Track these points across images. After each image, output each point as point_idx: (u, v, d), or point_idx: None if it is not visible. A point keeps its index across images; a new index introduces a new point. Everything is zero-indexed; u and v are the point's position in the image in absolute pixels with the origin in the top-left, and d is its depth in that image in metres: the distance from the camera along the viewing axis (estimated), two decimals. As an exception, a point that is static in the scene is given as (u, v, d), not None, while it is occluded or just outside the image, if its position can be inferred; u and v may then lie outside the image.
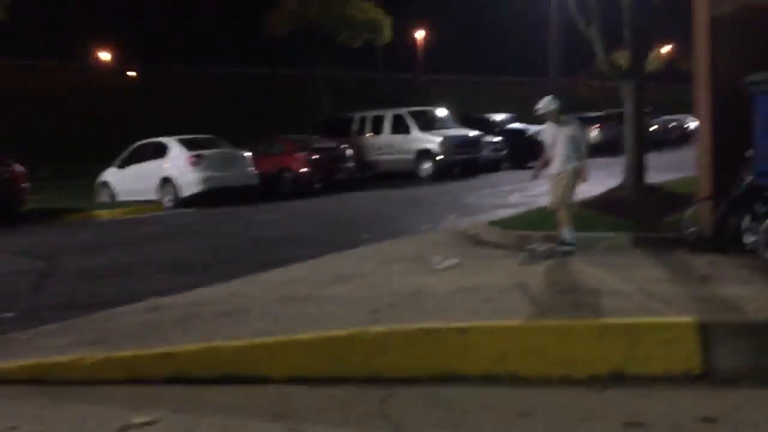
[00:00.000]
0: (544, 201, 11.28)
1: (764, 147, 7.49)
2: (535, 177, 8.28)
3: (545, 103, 7.82)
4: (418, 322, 5.00)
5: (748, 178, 7.51)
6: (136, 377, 4.83)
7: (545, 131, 8.01)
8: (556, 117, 7.80)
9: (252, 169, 17.83)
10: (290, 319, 5.35)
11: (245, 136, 21.95)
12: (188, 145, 17.43)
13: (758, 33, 7.79)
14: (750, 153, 7.62)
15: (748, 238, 7.52)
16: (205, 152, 17.22)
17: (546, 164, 7.97)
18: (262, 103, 33.46)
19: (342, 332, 4.91)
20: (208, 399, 4.49)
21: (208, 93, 33.52)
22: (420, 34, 48.82)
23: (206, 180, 16.80)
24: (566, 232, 7.68)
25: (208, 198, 16.74)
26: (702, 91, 8.32)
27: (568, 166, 7.69)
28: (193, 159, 16.86)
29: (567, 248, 7.59)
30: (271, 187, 18.71)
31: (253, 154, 18.42)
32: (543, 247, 7.70)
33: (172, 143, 17.51)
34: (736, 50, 7.97)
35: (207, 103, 31.59)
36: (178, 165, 16.97)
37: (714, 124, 8.17)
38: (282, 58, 39.94)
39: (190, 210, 16.19)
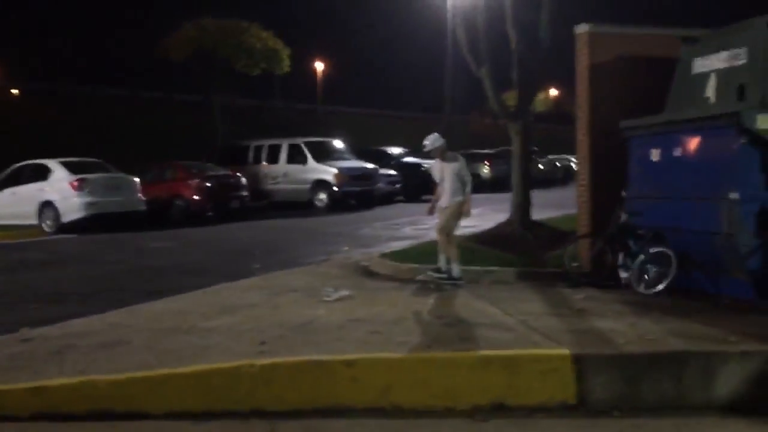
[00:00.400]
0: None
1: (636, 188, 8.00)
2: (431, 212, 8.41)
3: (432, 141, 8.03)
4: (306, 354, 4.97)
5: (623, 217, 7.98)
6: (3, 413, 4.53)
7: (433, 167, 8.30)
8: (443, 153, 8.03)
9: (140, 195, 17.27)
10: (173, 351, 5.18)
11: (137, 161, 21.24)
12: (72, 168, 16.68)
13: (634, 81, 8.35)
14: (625, 193, 8.12)
15: (623, 274, 7.96)
16: (90, 176, 16.53)
17: (438, 199, 8.25)
18: (156, 127, 32.52)
19: (227, 365, 4.81)
20: (81, 436, 4.28)
21: (98, 115, 32.29)
22: (319, 66, 49.19)
23: (90, 205, 16.12)
24: (455, 268, 7.91)
25: (91, 224, 16.06)
26: (582, 134, 8.81)
27: (453, 200, 7.96)
28: (77, 183, 16.16)
29: (456, 282, 7.85)
30: (162, 215, 18.23)
31: (143, 180, 17.89)
32: (433, 278, 7.95)
33: (55, 165, 16.73)
34: (614, 97, 8.51)
35: (97, 126, 30.40)
36: (60, 188, 16.22)
37: (593, 165, 8.65)
38: (178, 83, 39.15)
39: (71, 236, 15.47)
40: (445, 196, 8.08)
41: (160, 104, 38.84)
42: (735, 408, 4.85)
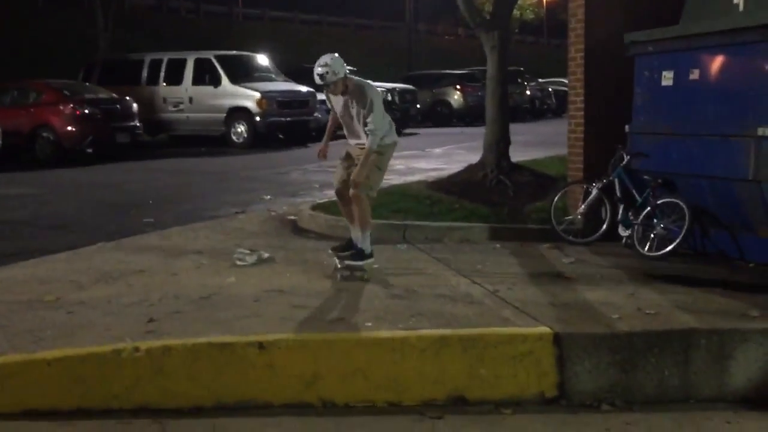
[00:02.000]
0: (396, 178, 11.47)
1: (642, 122, 8.13)
2: (323, 155, 7.45)
3: (331, 67, 6.59)
4: (208, 335, 4.98)
5: (625, 159, 8.13)
6: None
7: (336, 101, 6.98)
8: (345, 85, 6.73)
9: (-7, 124, 16.87)
10: (31, 331, 5.13)
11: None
12: None
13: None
14: (628, 128, 8.25)
15: (623, 232, 8.15)
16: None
17: (330, 138, 7.44)
18: (16, 34, 31.69)
19: (102, 348, 4.80)
20: None
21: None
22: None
23: None
24: (367, 240, 6.87)
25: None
26: (576, 50, 8.89)
27: (386, 140, 6.90)
28: None
29: (363, 264, 6.84)
30: (23, 151, 17.88)
31: (-3, 104, 17.49)
32: (340, 270, 6.85)
33: None
34: (618, 3, 8.57)
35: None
36: None
37: (588, 92, 8.75)
38: (45, -26, 37.98)
39: None
40: (360, 137, 6.92)
41: (21, 2, 37.71)
42: (754, 401, 5.06)
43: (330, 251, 7.02)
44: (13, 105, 18.48)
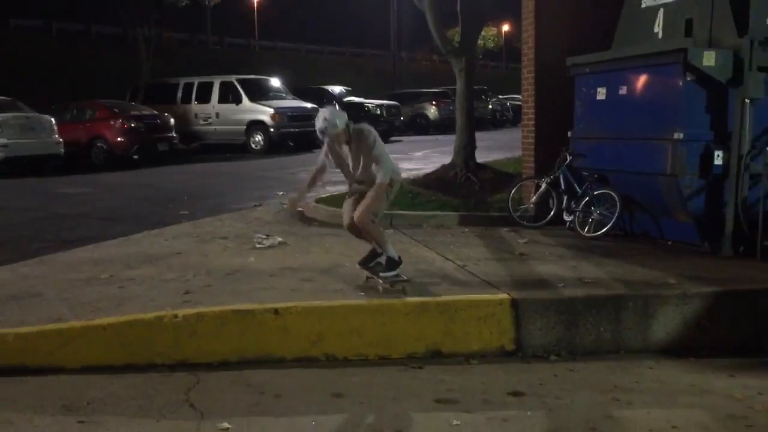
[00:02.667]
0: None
1: (581, 129, 8.15)
2: (293, 206, 6.41)
3: (331, 119, 5.44)
4: (233, 304, 4.97)
5: (568, 159, 8.14)
6: None
7: (340, 151, 5.66)
8: (347, 133, 5.51)
9: (57, 136, 16.75)
10: (89, 302, 5.11)
11: (53, 100, 20.50)
12: (-20, 107, 16.03)
13: (582, 16, 8.40)
14: (570, 134, 8.26)
15: (567, 217, 8.18)
16: (1, 116, 15.92)
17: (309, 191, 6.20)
18: (73, 63, 31.33)
19: (148, 315, 4.78)
20: (-11, 393, 4.22)
21: (8, 49, 30.95)
22: (256, -2, 48.01)
23: (2, 148, 15.58)
24: (390, 249, 5.64)
25: (4, 168, 15.55)
26: (528, 71, 8.88)
27: (396, 175, 5.74)
28: (-13, 123, 15.55)
29: (398, 271, 5.61)
30: (82, 158, 17.77)
31: (61, 120, 17.34)
32: (382, 285, 5.48)
33: (-39, 105, 16.03)
34: (561, 32, 8.57)
35: (5, 61, 29.15)
36: (-32, 130, 15.60)
37: (538, 105, 8.76)
38: (97, 15, 37.68)
39: (-18, 181, 14.96)
40: (366, 177, 5.65)
41: (78, 37, 37.47)
42: (671, 351, 5.09)
43: (358, 266, 5.70)
44: (72, 121, 18.37)
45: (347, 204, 5.73)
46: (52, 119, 16.93)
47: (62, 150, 16.82)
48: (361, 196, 5.57)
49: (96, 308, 4.96)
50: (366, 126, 5.61)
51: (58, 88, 26.09)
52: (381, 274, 5.49)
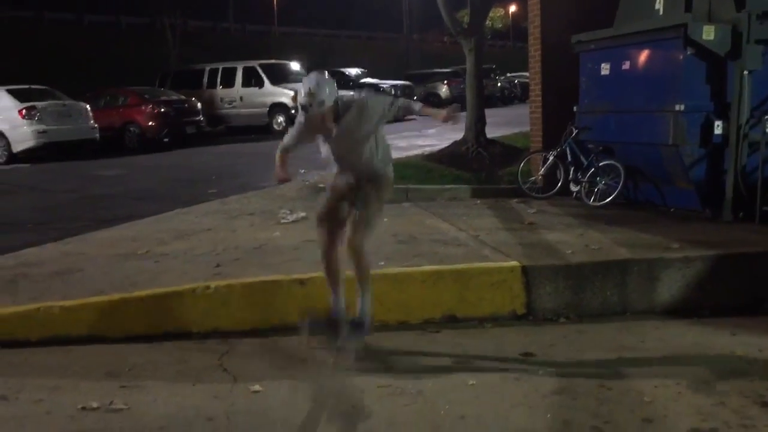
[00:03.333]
0: (400, 153, 11.22)
1: (586, 103, 8.06)
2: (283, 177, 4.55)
3: (318, 94, 3.94)
4: (261, 275, 5.01)
5: (574, 132, 8.07)
6: (-43, 343, 4.52)
7: (312, 123, 4.12)
8: (336, 109, 4.05)
9: (92, 122, 16.85)
10: (128, 276, 5.17)
11: (86, 88, 20.58)
12: (20, 96, 16.12)
13: (585, -5, 8.28)
14: (575, 108, 8.18)
15: (574, 188, 8.13)
16: (40, 104, 16.02)
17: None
18: (103, 53, 31.40)
19: (182, 287, 4.82)
20: (37, 361, 4.30)
21: (42, 41, 31.02)
22: (274, -14, 47.69)
23: (41, 134, 15.70)
24: (367, 304, 4.25)
25: (43, 153, 15.68)
26: (534, 49, 8.78)
27: (388, 170, 4.34)
28: (25, 111, 15.65)
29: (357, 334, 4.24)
30: (116, 142, 17.86)
31: (95, 107, 17.44)
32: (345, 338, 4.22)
33: (1, 94, 16.13)
34: (566, 10, 8.46)
35: (41, 52, 29.23)
36: (9, 117, 15.70)
37: (544, 81, 8.67)
38: (125, 6, 37.67)
39: (23, 166, 15.10)
40: (361, 162, 4.23)
41: (108, 28, 37.50)
42: (675, 312, 5.06)
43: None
44: (106, 107, 18.47)
45: (332, 206, 4.16)
46: (87, 106, 17.02)
47: (98, 135, 16.91)
48: (350, 192, 4.16)
49: (134, 281, 5.01)
50: (368, 95, 4.23)
51: (90, 78, 26.16)
52: (344, 342, 3.97)
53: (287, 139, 4.44)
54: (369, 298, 4.23)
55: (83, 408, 3.59)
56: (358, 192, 4.19)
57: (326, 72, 4.27)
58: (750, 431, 3.24)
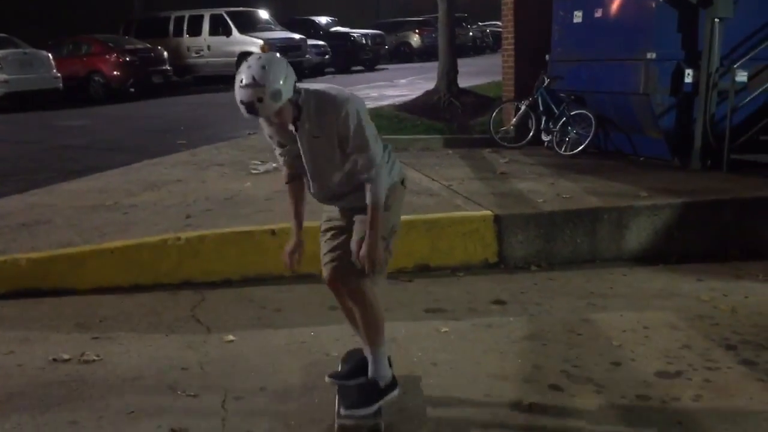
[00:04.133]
0: (371, 103, 11.07)
1: (558, 52, 8.03)
2: (293, 262, 3.24)
3: (270, 84, 2.56)
4: (233, 226, 4.97)
5: (546, 82, 8.05)
6: None
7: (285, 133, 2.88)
8: (295, 107, 2.71)
9: (55, 71, 16.39)
10: (96, 228, 5.10)
11: (46, 36, 19.93)
12: (-22, 44, 15.61)
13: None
14: (547, 57, 8.14)
15: (546, 137, 8.14)
16: (1, 52, 15.52)
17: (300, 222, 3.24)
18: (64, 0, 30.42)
19: (153, 238, 4.77)
20: (6, 313, 4.24)
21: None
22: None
23: (2, 83, 15.26)
24: (382, 359, 3.05)
25: (5, 104, 15.26)
26: (507, -3, 8.67)
27: (393, 176, 3.01)
28: (-14, 60, 15.17)
29: (378, 406, 2.95)
30: (79, 92, 17.42)
31: (58, 56, 16.94)
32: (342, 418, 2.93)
33: (-41, 42, 15.59)
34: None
35: (0, -1, 28.23)
36: (-33, 67, 15.22)
37: (517, 30, 8.60)
38: (86, -51, 36.25)
39: (-16, 117, 14.70)
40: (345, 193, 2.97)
41: (69, -27, 36.12)
42: (644, 259, 5.15)
43: (327, 379, 3.15)
44: (69, 55, 17.95)
45: (324, 245, 3.08)
46: (50, 55, 16.53)
47: (61, 84, 16.48)
48: (346, 226, 2.99)
49: (103, 233, 4.95)
50: (340, 91, 2.75)
51: (52, 25, 25.31)
52: (349, 413, 2.86)
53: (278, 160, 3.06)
54: (381, 358, 2.99)
55: (54, 360, 3.57)
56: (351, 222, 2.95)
57: (277, 53, 2.74)
58: (714, 373, 3.33)
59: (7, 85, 15.35)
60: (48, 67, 16.28)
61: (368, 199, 2.80)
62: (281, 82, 2.56)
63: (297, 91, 2.66)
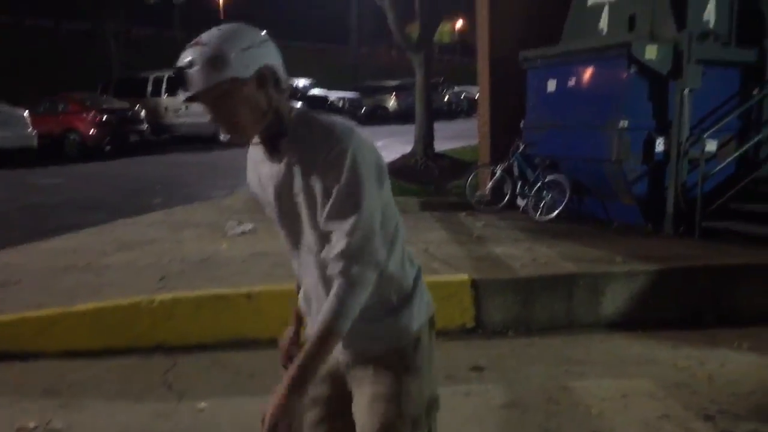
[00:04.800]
0: None
1: (533, 119, 8.20)
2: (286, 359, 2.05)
3: (213, 36, 1.66)
4: (208, 289, 4.90)
5: (520, 147, 8.19)
6: None
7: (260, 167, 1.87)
8: (275, 116, 1.74)
9: (30, 129, 16.33)
10: (68, 289, 5.00)
11: (25, 94, 19.96)
12: (-47, 101, 15.55)
13: (533, 11, 8.43)
14: (522, 124, 8.30)
15: (521, 201, 8.23)
16: (-26, 110, 15.47)
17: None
18: (43, 58, 30.57)
19: (124, 301, 4.69)
20: (-30, 379, 4.11)
21: (-21, 44, 30.03)
22: (220, -6, 47.22)
23: (-26, 140, 15.16)
24: None
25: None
26: (483, 65, 8.88)
27: (421, 318, 1.91)
28: (-40, 117, 15.10)
29: None
30: (55, 150, 17.35)
31: (34, 113, 16.92)
32: None
33: (-67, 99, 15.53)
34: (514, 27, 8.58)
35: (-22, 56, 28.28)
36: (-60, 123, 15.12)
37: (492, 96, 8.78)
38: (66, 10, 36.73)
39: (-43, 174, 14.53)
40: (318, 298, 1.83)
41: (48, 33, 36.47)
42: (620, 325, 5.15)
43: None
44: (45, 113, 17.93)
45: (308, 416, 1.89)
46: (26, 112, 16.49)
47: (35, 142, 16.39)
48: (335, 401, 1.90)
49: (75, 295, 4.85)
50: (337, 121, 1.74)
51: (30, 84, 25.39)
52: None
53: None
54: None
55: (20, 429, 3.44)
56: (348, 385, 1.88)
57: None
58: (694, 443, 3.30)
59: (-20, 142, 15.24)
60: (23, 125, 16.21)
61: (320, 317, 1.62)
62: (234, 49, 1.62)
63: (282, 97, 1.73)
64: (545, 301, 5.11)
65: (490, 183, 8.54)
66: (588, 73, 7.37)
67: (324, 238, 1.71)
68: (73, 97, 18.95)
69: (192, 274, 5.36)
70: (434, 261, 5.69)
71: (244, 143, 1.79)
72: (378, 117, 30.20)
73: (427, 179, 9.91)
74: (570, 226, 7.38)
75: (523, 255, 5.88)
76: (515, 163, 8.21)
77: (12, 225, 8.28)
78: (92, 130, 17.75)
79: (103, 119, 17.94)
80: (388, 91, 30.92)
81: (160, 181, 12.41)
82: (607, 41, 7.12)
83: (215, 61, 1.62)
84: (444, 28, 33.59)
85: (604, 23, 7.49)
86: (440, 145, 12.37)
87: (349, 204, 1.65)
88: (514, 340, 4.89)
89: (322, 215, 1.68)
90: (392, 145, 15.25)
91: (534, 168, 8.05)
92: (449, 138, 16.94)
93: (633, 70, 6.71)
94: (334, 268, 1.66)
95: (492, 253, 6.06)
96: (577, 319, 5.14)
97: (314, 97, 25.37)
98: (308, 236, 1.77)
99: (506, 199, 8.38)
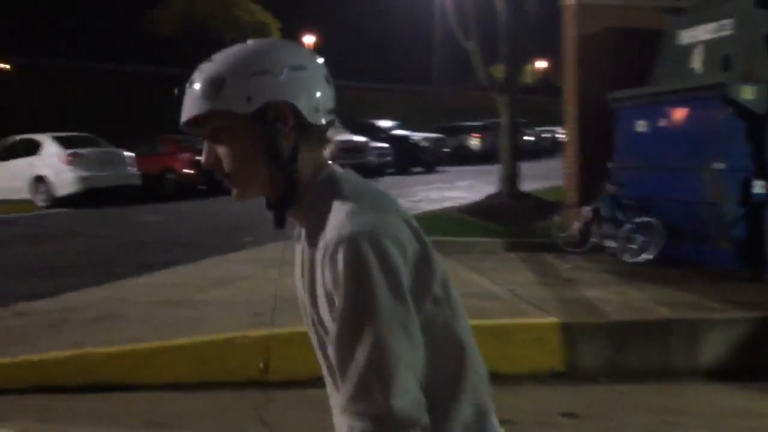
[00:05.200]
0: (432, 205, 10.81)
1: (623, 159, 8.02)
2: None
3: (229, 52, 1.32)
4: (300, 325, 4.96)
5: (610, 188, 8.00)
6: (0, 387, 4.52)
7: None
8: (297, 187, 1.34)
9: (133, 168, 17.17)
10: (167, 324, 5.17)
11: (129, 135, 21.05)
12: (64, 142, 16.52)
13: (621, 52, 8.32)
14: (611, 164, 8.13)
15: (609, 244, 8.01)
16: (82, 150, 16.40)
17: None
18: (146, 102, 32.21)
19: (220, 336, 4.81)
20: (77, 407, 4.28)
21: (88, 90, 31.92)
22: (309, 39, 48.67)
23: (83, 179, 16.00)
24: None
25: (85, 198, 15.97)
26: (570, 106, 8.80)
27: None
28: (69, 157, 16.02)
29: None
30: (155, 189, 18.13)
31: (137, 154, 17.80)
32: None
33: (46, 140, 16.55)
34: (601, 68, 8.49)
35: (87, 101, 30.03)
36: (52, 163, 16.06)
37: (580, 137, 8.66)
38: (167, 57, 38.70)
39: (65, 210, 15.37)
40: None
41: (150, 78, 38.43)
42: (718, 374, 4.91)
43: None
44: (147, 155, 18.80)
45: None
46: (128, 153, 17.36)
47: (139, 181, 17.20)
48: None
49: (173, 329, 5.01)
50: (355, 209, 1.22)
51: (133, 125, 26.76)
52: None
53: None
54: None
55: (123, 457, 3.56)
56: None
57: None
58: (806, 504, 3.09)
59: (87, 181, 16.09)
60: (125, 165, 17.06)
61: None
62: (238, 72, 1.26)
63: (313, 150, 1.38)
64: (638, 347, 4.94)
65: (578, 224, 8.37)
66: (681, 114, 7.19)
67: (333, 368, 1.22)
68: (170, 137, 19.81)
69: (284, 311, 5.43)
70: (522, 303, 5.60)
71: (241, 200, 1.36)
72: (461, 157, 30.24)
73: (512, 220, 9.80)
74: (661, 270, 7.13)
75: (614, 298, 5.72)
76: (603, 204, 8.02)
77: (115, 260, 8.67)
78: (187, 169, 18.46)
79: (197, 159, 18.63)
80: (471, 131, 30.99)
81: (252, 219, 12.73)
82: (701, 82, 6.94)
83: (210, 84, 1.24)
84: (526, 69, 33.52)
85: (697, 63, 7.31)
86: (524, 185, 12.25)
87: (347, 328, 1.15)
88: (606, 386, 4.73)
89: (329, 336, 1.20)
90: (476, 185, 15.24)
91: (623, 209, 7.84)
92: (532, 178, 16.74)
93: (729, 111, 6.51)
94: (348, 411, 1.15)
95: (581, 295, 5.91)
96: (672, 367, 4.93)
97: (398, 136, 25.62)
98: (319, 353, 1.36)
99: (593, 240, 8.18)
